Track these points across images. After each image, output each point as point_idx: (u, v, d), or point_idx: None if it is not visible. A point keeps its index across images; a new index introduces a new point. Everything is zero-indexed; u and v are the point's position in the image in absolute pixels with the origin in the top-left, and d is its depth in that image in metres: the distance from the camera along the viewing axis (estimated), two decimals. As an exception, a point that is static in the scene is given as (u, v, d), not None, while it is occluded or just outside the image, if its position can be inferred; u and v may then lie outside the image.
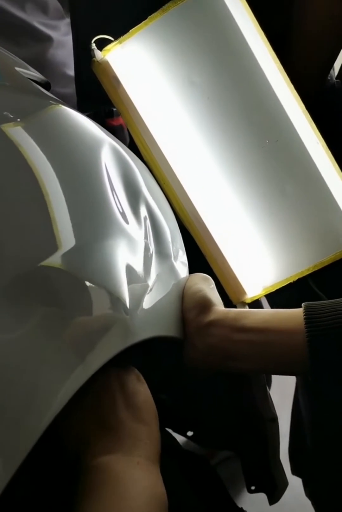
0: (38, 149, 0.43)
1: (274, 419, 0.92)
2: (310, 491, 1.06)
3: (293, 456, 1.14)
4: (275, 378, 1.49)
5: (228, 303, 0.67)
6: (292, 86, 0.64)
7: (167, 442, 0.60)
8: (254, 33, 0.63)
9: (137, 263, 0.48)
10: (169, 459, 0.63)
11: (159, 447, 0.45)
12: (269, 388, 1.03)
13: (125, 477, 0.39)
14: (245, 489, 0.89)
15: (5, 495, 0.28)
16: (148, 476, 0.40)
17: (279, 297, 0.74)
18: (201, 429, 0.87)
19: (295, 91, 0.64)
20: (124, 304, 0.44)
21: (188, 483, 0.64)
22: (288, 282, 0.70)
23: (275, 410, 0.95)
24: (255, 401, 0.89)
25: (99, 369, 0.42)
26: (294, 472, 1.12)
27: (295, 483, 1.06)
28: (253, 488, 0.91)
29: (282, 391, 1.52)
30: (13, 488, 0.30)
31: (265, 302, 1.10)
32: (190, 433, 0.91)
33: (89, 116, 0.57)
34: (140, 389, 0.47)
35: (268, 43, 0.63)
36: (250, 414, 0.90)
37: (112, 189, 0.49)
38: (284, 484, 0.92)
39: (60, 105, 0.53)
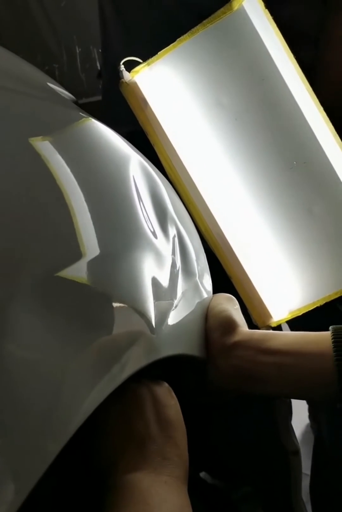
0: (63, 160, 0.43)
1: (296, 452, 0.89)
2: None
3: (314, 494, 1.10)
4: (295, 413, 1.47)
5: (250, 325, 0.66)
6: (321, 108, 0.64)
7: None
8: (283, 55, 0.63)
9: (164, 279, 0.47)
10: (190, 491, 0.62)
11: (187, 466, 0.44)
12: (290, 420, 1.00)
13: (153, 496, 0.37)
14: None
15: (28, 504, 0.27)
16: (176, 497, 0.39)
17: (299, 321, 0.72)
18: (220, 462, 0.85)
19: (324, 113, 0.64)
20: (150, 319, 0.43)
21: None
22: (315, 306, 0.68)
23: (297, 442, 0.92)
24: (277, 433, 0.87)
25: (131, 380, 0.41)
26: (316, 511, 1.07)
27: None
28: (274, 526, 0.87)
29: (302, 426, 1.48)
30: (36, 498, 0.29)
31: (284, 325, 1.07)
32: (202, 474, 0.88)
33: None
34: (171, 403, 0.46)
35: (297, 65, 0.63)
36: (272, 446, 0.87)
37: (141, 202, 0.49)
38: (306, 523, 0.88)
39: (90, 119, 0.54)
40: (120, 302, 0.40)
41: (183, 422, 0.46)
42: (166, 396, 0.46)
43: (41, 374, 0.30)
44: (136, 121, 0.70)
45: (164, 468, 0.40)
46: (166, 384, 0.48)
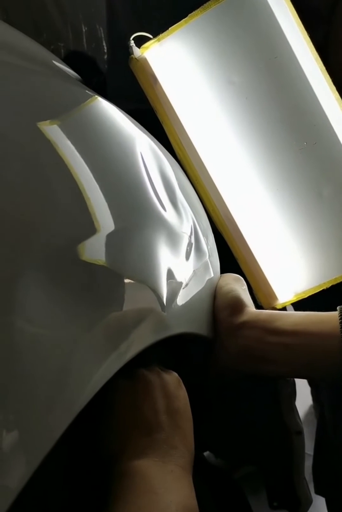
0: (70, 139, 0.43)
1: (300, 432, 0.89)
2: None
3: (317, 474, 1.11)
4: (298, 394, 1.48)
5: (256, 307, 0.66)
6: (334, 88, 0.63)
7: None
8: (297, 33, 0.62)
9: (176, 256, 0.47)
10: (193, 472, 0.62)
11: (193, 456, 0.44)
12: (294, 400, 1.01)
13: (159, 484, 0.37)
14: (267, 506, 0.86)
15: (34, 482, 0.27)
16: (181, 486, 0.39)
17: (303, 304, 0.71)
18: (223, 442, 0.85)
19: (337, 94, 0.63)
20: (162, 296, 0.43)
21: (211, 497, 0.63)
22: (321, 289, 0.68)
23: (301, 423, 0.92)
24: (281, 413, 0.87)
25: (142, 366, 0.43)
26: (318, 491, 1.08)
27: (318, 504, 1.02)
28: (275, 504, 0.88)
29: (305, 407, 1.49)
30: (43, 475, 0.29)
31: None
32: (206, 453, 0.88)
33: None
34: (180, 393, 0.46)
35: (311, 44, 0.62)
36: (275, 426, 0.87)
37: (151, 181, 0.48)
38: (308, 501, 0.88)
39: (97, 97, 0.53)
40: (132, 279, 0.40)
41: (190, 412, 0.46)
42: (176, 386, 0.46)
43: (50, 349, 0.30)
44: (142, 99, 0.69)
45: (171, 457, 0.40)
46: (175, 374, 0.48)
